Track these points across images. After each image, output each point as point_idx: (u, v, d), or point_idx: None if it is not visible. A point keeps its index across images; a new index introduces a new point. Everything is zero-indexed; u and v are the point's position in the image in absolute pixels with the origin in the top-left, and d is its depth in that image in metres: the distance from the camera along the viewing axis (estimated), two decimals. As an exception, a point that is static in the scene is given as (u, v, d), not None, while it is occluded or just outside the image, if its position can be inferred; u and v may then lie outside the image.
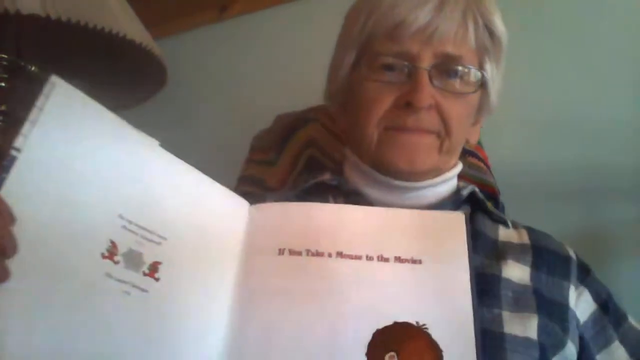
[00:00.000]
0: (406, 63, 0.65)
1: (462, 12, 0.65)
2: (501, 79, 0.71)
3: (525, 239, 0.68)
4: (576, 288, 0.65)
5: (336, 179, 0.72)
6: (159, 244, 0.52)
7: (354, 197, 0.70)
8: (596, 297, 0.65)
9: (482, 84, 0.68)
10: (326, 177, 0.74)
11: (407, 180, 0.67)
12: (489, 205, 0.72)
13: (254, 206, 0.59)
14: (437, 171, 0.69)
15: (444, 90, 0.66)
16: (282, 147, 0.92)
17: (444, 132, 0.66)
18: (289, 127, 0.93)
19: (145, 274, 0.51)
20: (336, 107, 0.77)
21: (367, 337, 0.52)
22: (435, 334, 0.52)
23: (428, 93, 0.64)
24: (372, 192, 0.69)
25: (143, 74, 1.05)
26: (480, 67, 0.69)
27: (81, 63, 1.03)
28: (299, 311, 0.54)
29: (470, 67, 0.67)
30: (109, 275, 0.48)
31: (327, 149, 0.92)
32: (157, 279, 0.51)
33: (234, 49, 1.28)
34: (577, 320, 0.63)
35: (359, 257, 0.56)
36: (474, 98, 0.69)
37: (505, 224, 0.70)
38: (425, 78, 0.64)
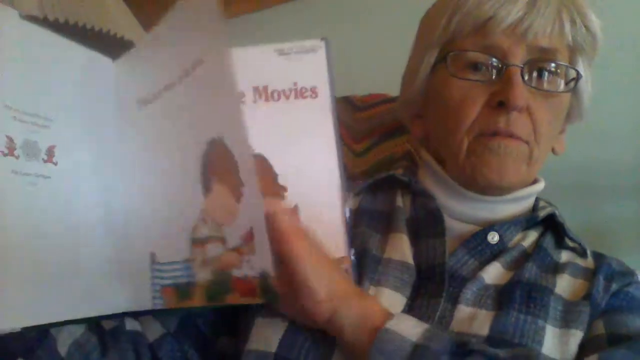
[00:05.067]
0: (495, 60, 0.62)
1: (556, 7, 0.62)
2: (589, 83, 0.67)
3: (591, 264, 0.65)
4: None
5: (407, 177, 0.70)
6: (47, 127, 0.51)
7: (423, 197, 0.68)
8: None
9: (576, 84, 0.64)
10: (398, 172, 0.72)
11: (492, 195, 0.65)
12: (568, 230, 0.68)
13: (117, 61, 0.59)
14: (523, 185, 0.66)
15: (536, 89, 0.62)
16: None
17: (534, 139, 0.63)
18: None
19: (45, 161, 0.50)
20: (409, 116, 0.74)
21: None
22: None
23: (522, 93, 0.60)
24: (443, 197, 0.67)
25: (142, 74, 1.05)
26: (571, 64, 0.64)
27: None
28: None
29: (565, 64, 0.63)
30: (15, 172, 0.47)
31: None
32: (55, 163, 0.51)
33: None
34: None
35: None
36: (566, 100, 0.65)
37: (582, 253, 0.67)
38: (516, 76, 0.60)
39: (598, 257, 0.67)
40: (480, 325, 0.56)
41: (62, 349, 0.53)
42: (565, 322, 0.57)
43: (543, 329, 0.56)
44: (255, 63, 0.59)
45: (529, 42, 0.61)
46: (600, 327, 0.57)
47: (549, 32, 0.61)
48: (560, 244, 0.68)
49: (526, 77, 0.61)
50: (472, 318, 0.57)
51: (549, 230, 0.68)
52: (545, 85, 0.63)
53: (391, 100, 0.91)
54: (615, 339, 0.55)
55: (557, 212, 0.69)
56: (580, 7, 0.63)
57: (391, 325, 0.50)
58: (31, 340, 0.52)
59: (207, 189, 0.52)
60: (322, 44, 0.59)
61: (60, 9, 0.80)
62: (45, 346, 0.52)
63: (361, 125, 0.91)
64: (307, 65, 0.59)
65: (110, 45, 0.91)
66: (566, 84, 0.64)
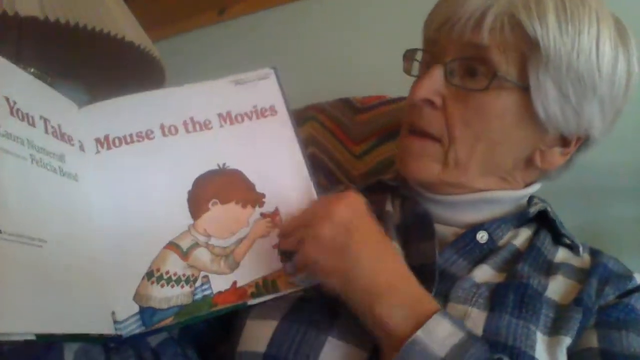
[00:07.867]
0: (427, 56, 0.63)
1: (487, 2, 0.58)
2: (561, 94, 0.58)
3: (586, 264, 0.64)
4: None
5: (396, 182, 0.70)
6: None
7: (410, 202, 0.67)
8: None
9: (499, 83, 0.58)
10: (388, 177, 0.72)
11: (438, 192, 0.65)
12: (561, 226, 0.67)
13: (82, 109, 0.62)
14: (457, 186, 0.64)
15: (456, 87, 0.60)
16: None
17: (447, 139, 0.61)
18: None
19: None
20: None
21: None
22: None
23: (427, 87, 0.60)
24: (423, 201, 0.66)
25: (142, 75, 1.05)
26: (520, 70, 0.58)
27: (80, 65, 1.03)
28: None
29: (491, 61, 0.58)
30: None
31: (329, 147, 0.92)
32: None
33: (232, 51, 1.28)
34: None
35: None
36: (492, 100, 0.59)
37: (575, 249, 0.65)
38: (434, 71, 0.60)
39: (595, 255, 0.66)
40: (474, 325, 0.55)
41: (69, 356, 0.53)
42: (555, 329, 0.56)
43: (534, 333, 0.55)
44: (216, 94, 0.65)
45: (456, 37, 0.59)
46: (593, 340, 0.56)
47: (472, 25, 0.58)
48: (557, 240, 0.67)
49: (454, 76, 0.60)
50: (465, 317, 0.56)
51: (544, 227, 0.67)
52: (467, 84, 0.60)
53: (391, 101, 0.91)
54: (609, 358, 0.54)
55: (549, 208, 0.67)
56: (518, 6, 0.57)
57: (420, 335, 0.48)
58: (38, 348, 0.51)
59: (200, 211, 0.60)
60: (272, 71, 0.66)
61: (61, 10, 0.80)
62: (52, 354, 0.52)
63: (361, 127, 0.91)
64: (262, 89, 0.65)
65: (111, 45, 0.91)
66: (484, 82, 0.59)
